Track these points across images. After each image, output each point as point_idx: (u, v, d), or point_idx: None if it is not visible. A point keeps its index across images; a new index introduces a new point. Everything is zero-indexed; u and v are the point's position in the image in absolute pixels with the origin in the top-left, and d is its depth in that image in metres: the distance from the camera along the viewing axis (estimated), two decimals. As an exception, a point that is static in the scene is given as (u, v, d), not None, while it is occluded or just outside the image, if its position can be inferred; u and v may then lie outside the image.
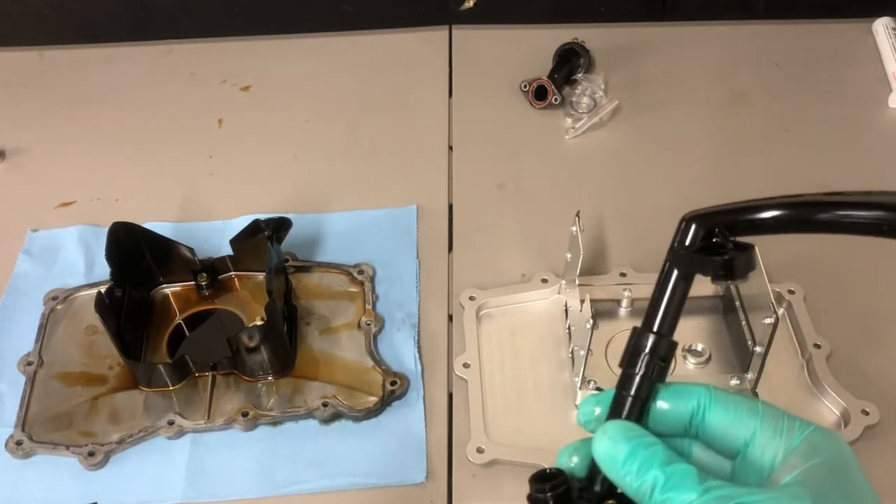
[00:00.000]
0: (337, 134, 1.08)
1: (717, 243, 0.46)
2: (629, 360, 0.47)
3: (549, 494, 0.46)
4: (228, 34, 1.23)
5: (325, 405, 0.80)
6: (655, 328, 0.47)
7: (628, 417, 0.47)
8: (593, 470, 0.47)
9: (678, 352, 0.82)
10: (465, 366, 0.82)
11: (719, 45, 1.18)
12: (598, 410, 0.49)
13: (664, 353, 0.47)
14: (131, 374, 0.82)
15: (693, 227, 0.47)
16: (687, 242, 0.46)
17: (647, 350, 0.47)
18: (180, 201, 1.01)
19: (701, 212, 0.47)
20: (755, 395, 0.78)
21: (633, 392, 0.47)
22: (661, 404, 0.47)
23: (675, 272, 0.47)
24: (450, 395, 0.82)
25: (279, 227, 0.87)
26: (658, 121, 1.08)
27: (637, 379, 0.47)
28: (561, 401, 0.80)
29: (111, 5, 1.22)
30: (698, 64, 1.16)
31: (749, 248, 0.46)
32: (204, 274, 0.89)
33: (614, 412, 0.47)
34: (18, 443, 0.78)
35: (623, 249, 0.92)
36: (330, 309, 0.88)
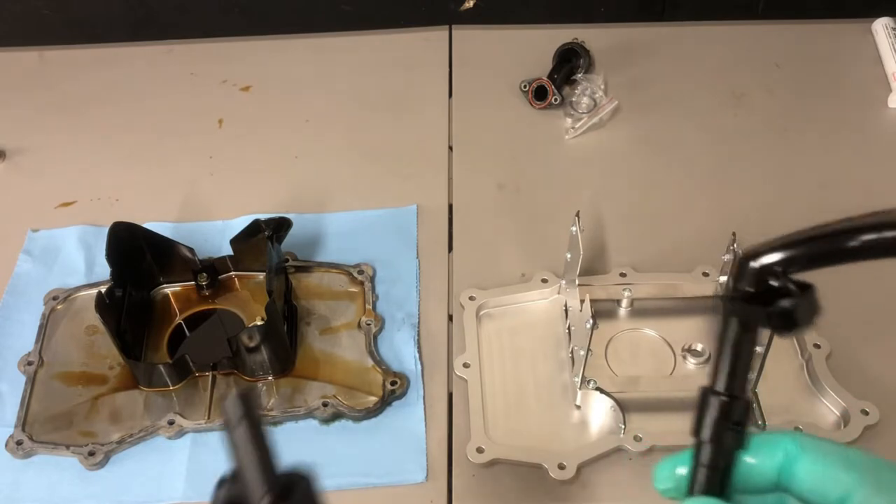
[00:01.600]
0: (337, 134, 1.08)
1: (776, 287, 0.41)
2: (698, 426, 0.43)
3: None
4: (228, 34, 1.23)
5: (325, 405, 0.80)
6: (723, 388, 0.42)
7: (709, 492, 0.42)
8: None
9: (678, 352, 0.82)
10: (465, 366, 0.82)
11: (719, 45, 1.18)
12: (681, 471, 0.45)
13: (738, 416, 0.42)
14: (131, 374, 0.83)
15: (747, 267, 0.42)
16: (743, 286, 0.41)
17: (716, 415, 0.42)
18: (180, 201, 1.01)
19: (754, 250, 0.42)
20: (755, 395, 0.78)
21: (709, 463, 0.42)
22: (746, 459, 0.43)
23: (735, 323, 0.42)
24: (450, 395, 0.82)
25: (279, 227, 0.87)
26: (658, 121, 1.08)
27: (711, 448, 0.42)
28: (561, 401, 0.80)
29: (111, 5, 1.22)
30: (698, 64, 1.16)
31: (810, 290, 0.41)
32: (204, 274, 0.89)
33: (694, 486, 0.43)
34: (19, 442, 0.78)
35: (623, 249, 0.92)
36: (330, 309, 0.88)
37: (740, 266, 0.42)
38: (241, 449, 0.41)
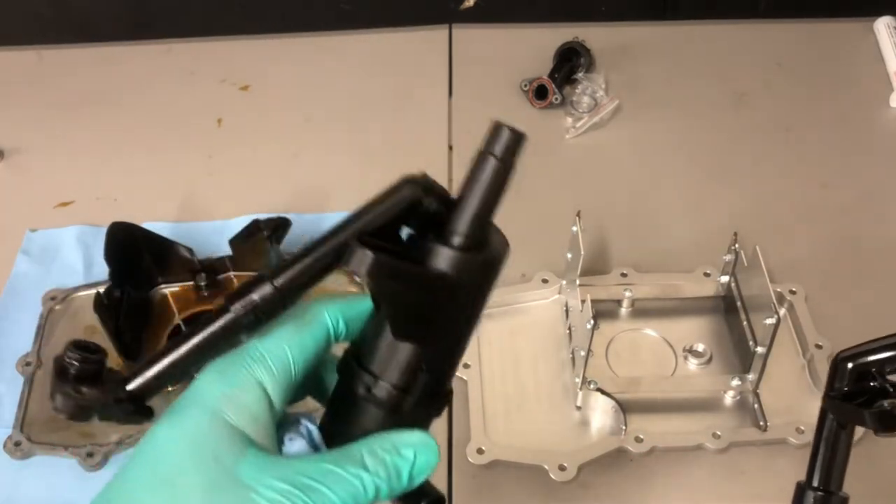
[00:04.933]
0: (337, 133, 1.08)
1: (873, 387, 0.43)
2: None
3: (76, 364, 0.42)
4: (228, 33, 1.23)
5: (324, 406, 0.79)
6: (819, 484, 0.44)
7: None
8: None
9: (679, 352, 0.82)
10: (466, 366, 0.82)
11: (720, 44, 1.18)
12: None
13: None
14: (130, 375, 0.82)
15: (846, 367, 0.44)
16: (841, 385, 0.44)
17: None
18: (179, 201, 1.00)
19: (851, 351, 0.44)
20: (756, 395, 0.78)
21: None
22: None
23: (833, 422, 0.44)
24: (450, 396, 0.82)
25: (279, 227, 0.87)
26: (659, 120, 1.08)
27: None
28: (561, 401, 0.80)
29: (110, 5, 1.22)
30: (699, 63, 1.15)
31: None
32: (203, 274, 0.89)
33: None
34: (17, 443, 0.78)
35: (624, 249, 0.92)
36: (329, 309, 0.88)
37: (837, 366, 0.43)
38: (479, 180, 0.45)
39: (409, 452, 0.43)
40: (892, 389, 0.42)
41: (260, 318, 0.43)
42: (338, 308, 0.46)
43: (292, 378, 0.44)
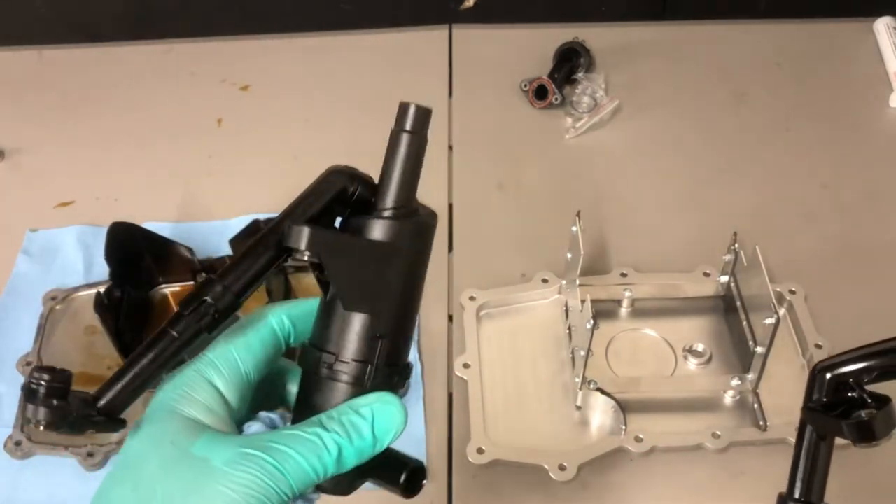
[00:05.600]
0: (337, 133, 1.08)
1: (852, 398, 0.43)
2: None
3: (43, 385, 0.43)
4: (228, 33, 1.23)
5: (324, 406, 0.79)
6: (800, 496, 0.45)
7: None
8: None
9: (679, 352, 0.82)
10: (466, 366, 0.82)
11: (720, 44, 1.18)
12: None
13: None
14: (130, 375, 0.82)
15: (825, 378, 0.44)
16: (821, 396, 0.43)
17: None
18: (179, 201, 1.00)
19: (829, 362, 0.44)
20: (756, 395, 0.78)
21: None
22: None
23: (813, 434, 0.44)
24: (450, 396, 0.82)
25: (279, 227, 0.87)
26: (659, 120, 1.08)
27: None
28: (561, 401, 0.80)
29: (111, 5, 1.22)
30: (699, 63, 1.15)
31: (887, 403, 0.43)
32: (203, 274, 0.89)
33: None
34: (17, 443, 0.78)
35: (624, 249, 0.92)
36: (330, 309, 0.88)
37: (815, 376, 0.43)
38: (397, 155, 0.49)
39: (366, 411, 0.45)
40: (869, 400, 0.42)
41: (216, 319, 0.45)
42: (281, 309, 0.49)
43: (243, 376, 0.47)
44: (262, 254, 0.46)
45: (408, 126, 0.48)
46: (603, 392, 0.77)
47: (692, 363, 0.82)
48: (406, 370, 0.48)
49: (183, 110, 1.13)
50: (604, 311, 0.85)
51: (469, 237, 0.95)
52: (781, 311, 0.81)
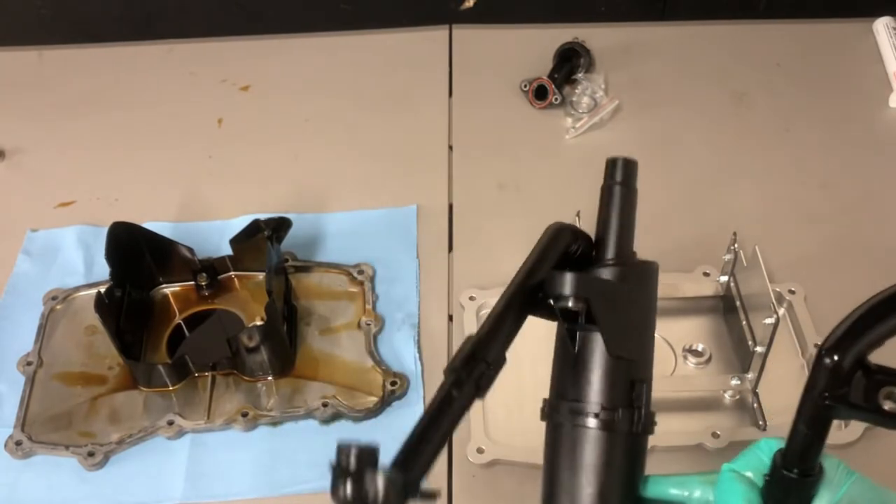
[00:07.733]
0: (337, 134, 1.08)
1: (873, 378, 0.43)
2: None
3: None
4: (228, 33, 1.23)
5: (325, 405, 0.80)
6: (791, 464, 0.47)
7: None
8: None
9: (679, 352, 0.82)
10: (466, 366, 0.82)
11: (720, 45, 1.18)
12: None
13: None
14: (131, 375, 0.82)
15: (832, 361, 0.43)
16: (841, 383, 0.43)
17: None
18: (180, 201, 1.01)
19: (832, 342, 0.43)
20: (756, 395, 0.78)
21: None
22: None
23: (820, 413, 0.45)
24: (450, 396, 0.82)
25: (279, 227, 0.87)
26: (659, 120, 1.08)
27: None
28: (561, 401, 0.80)
29: (111, 5, 1.22)
30: (699, 64, 1.15)
31: None
32: (204, 274, 0.89)
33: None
34: (18, 443, 0.78)
35: (623, 249, 0.92)
36: (330, 309, 0.88)
37: (832, 365, 0.43)
38: (612, 207, 0.51)
39: None
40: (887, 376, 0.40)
41: (480, 388, 0.50)
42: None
43: None
44: (509, 316, 0.51)
45: (618, 178, 0.52)
46: (603, 392, 0.77)
47: (692, 363, 0.82)
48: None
49: (183, 110, 1.13)
50: (604, 311, 0.85)
51: (469, 237, 0.95)
52: (781, 311, 0.82)
